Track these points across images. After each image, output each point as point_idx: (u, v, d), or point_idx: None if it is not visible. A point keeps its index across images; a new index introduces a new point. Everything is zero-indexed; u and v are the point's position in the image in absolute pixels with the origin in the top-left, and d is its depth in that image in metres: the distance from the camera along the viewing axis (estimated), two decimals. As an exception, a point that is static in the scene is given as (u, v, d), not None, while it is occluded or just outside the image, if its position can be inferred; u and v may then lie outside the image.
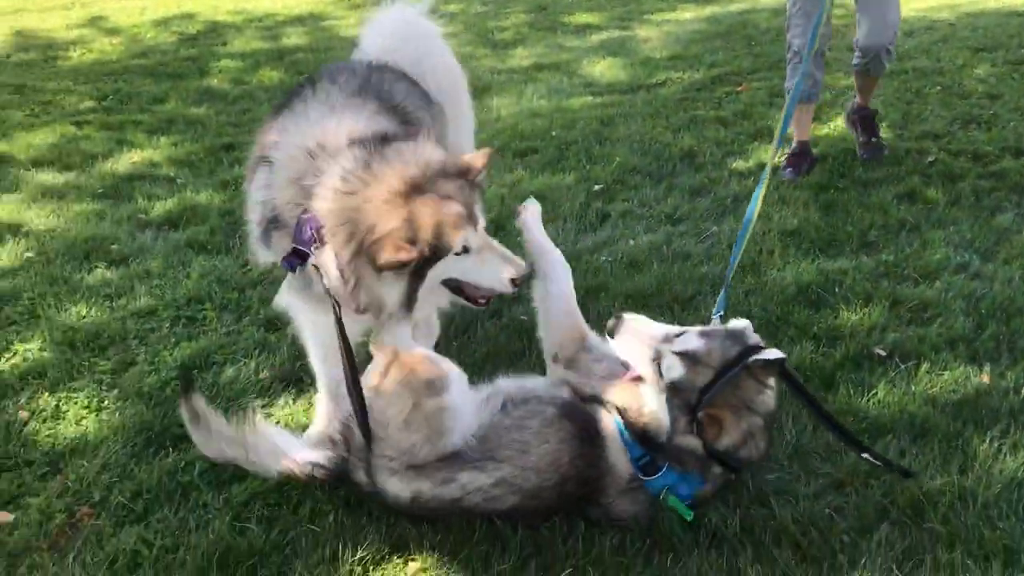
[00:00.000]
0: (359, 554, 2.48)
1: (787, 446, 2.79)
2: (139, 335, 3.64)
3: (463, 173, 2.52)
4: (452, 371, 2.60)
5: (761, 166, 5.04)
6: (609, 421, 2.53)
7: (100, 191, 5.09)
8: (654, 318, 3.34)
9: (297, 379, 3.32)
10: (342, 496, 2.68)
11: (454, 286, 2.59)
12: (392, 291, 2.46)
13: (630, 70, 7.21)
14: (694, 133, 5.62)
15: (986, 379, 3.08)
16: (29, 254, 4.32)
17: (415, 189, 2.40)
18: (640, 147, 5.42)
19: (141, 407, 3.15)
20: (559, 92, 6.75)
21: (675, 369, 2.40)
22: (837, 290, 3.67)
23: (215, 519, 2.63)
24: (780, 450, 2.76)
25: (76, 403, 3.21)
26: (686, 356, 2.39)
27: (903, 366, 3.16)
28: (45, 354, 3.49)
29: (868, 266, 3.86)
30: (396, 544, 2.53)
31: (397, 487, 2.49)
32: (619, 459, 2.48)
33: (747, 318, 2.62)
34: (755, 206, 3.17)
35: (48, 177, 5.30)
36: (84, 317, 3.76)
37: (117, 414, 3.14)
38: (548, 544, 2.49)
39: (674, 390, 2.40)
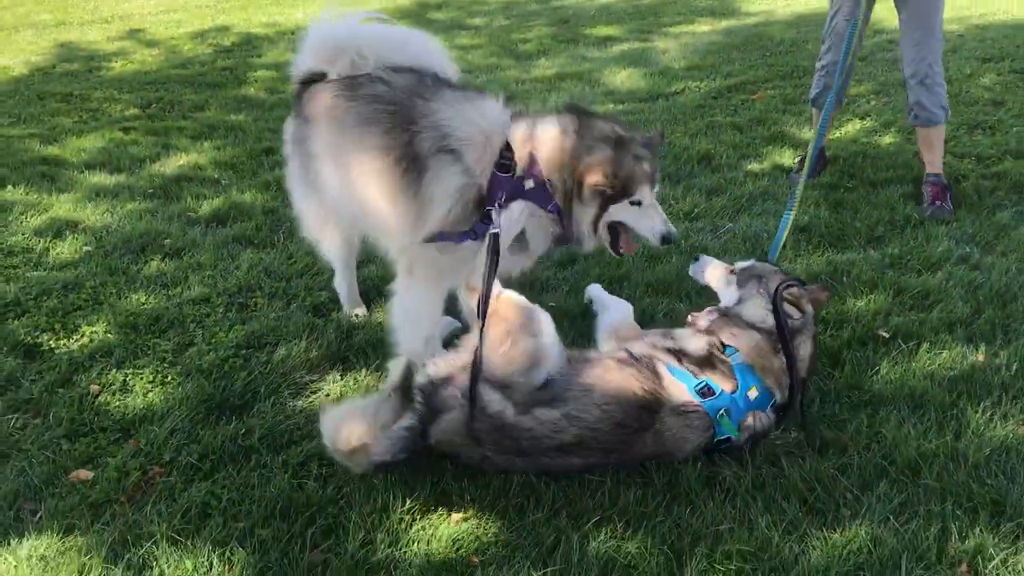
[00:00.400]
0: (408, 504, 2.75)
1: (796, 414, 3.05)
2: (196, 319, 3.93)
3: (651, 145, 3.13)
4: (543, 315, 3.07)
5: (776, 168, 5.31)
6: (662, 365, 2.92)
7: (150, 191, 5.41)
8: (673, 305, 3.66)
9: (344, 358, 3.60)
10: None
11: (614, 229, 3.09)
12: (587, 214, 3.02)
13: (649, 79, 7.49)
14: (711, 138, 5.89)
15: (981, 357, 3.33)
16: (88, 248, 4.63)
17: (620, 144, 2.98)
18: (660, 150, 5.68)
19: (202, 381, 3.44)
20: (581, 100, 7.04)
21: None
22: (845, 279, 3.93)
23: (276, 476, 2.91)
24: (789, 418, 3.02)
25: (142, 378, 3.50)
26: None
27: (905, 346, 3.42)
28: (110, 336, 3.79)
29: (875, 258, 4.12)
30: (440, 498, 2.80)
31: (498, 403, 2.78)
32: (674, 388, 2.85)
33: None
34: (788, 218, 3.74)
35: (100, 178, 5.63)
36: (144, 304, 4.06)
37: (180, 388, 3.43)
38: (577, 497, 2.76)
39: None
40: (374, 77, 3.31)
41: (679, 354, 2.98)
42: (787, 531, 2.60)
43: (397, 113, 3.14)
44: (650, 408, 2.80)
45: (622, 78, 7.59)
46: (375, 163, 3.14)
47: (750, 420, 2.87)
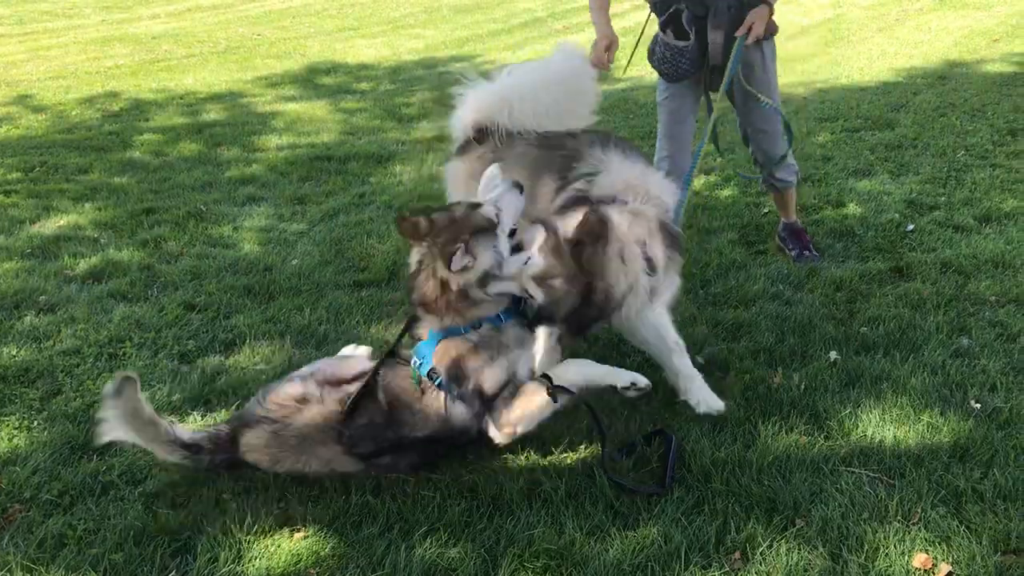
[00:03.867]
0: (254, 527, 3.00)
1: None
2: (65, 369, 4.11)
3: None
4: None
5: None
6: None
7: (28, 251, 5.56)
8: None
9: (206, 400, 3.84)
10: (242, 485, 3.22)
11: None
12: None
13: (522, 140, 7.96)
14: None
15: (777, 379, 3.77)
16: (-40, 306, 4.77)
17: None
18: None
19: (67, 425, 3.63)
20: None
21: None
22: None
23: (131, 507, 3.13)
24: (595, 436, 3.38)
25: (8, 424, 3.67)
26: None
27: (717, 373, 3.85)
28: (-23, 387, 3.96)
29: (701, 297, 4.58)
30: (285, 519, 3.07)
31: None
32: None
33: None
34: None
35: (-23, 241, 5.75)
36: (14, 356, 4.22)
37: (46, 432, 3.61)
38: (409, 512, 3.06)
39: None
40: None
41: None
42: (591, 532, 2.94)
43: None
44: None
45: (497, 139, 8.04)
46: None
47: None
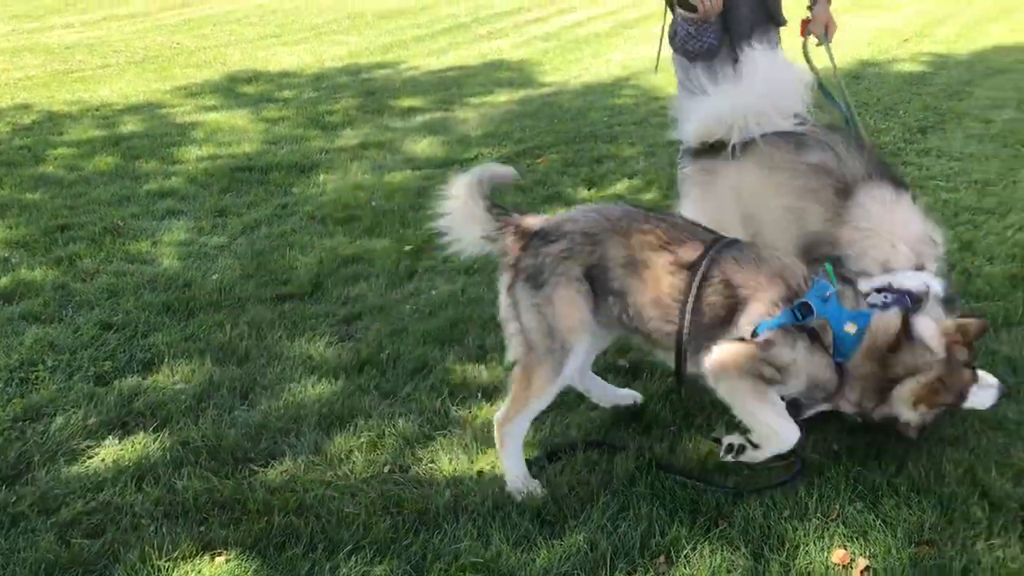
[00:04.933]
0: (174, 553, 2.93)
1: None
2: (-28, 396, 3.96)
3: None
4: None
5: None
6: None
7: (-67, 274, 5.34)
8: (445, 355, 3.95)
9: (123, 423, 3.74)
10: (161, 510, 3.14)
11: None
12: None
13: (447, 147, 7.95)
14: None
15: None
16: None
17: None
18: (448, 213, 6.09)
19: (-26, 455, 3.50)
20: (382, 167, 7.39)
21: None
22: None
23: (43, 538, 3.02)
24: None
25: (-88, 456, 3.52)
26: None
27: (644, 375, 3.88)
28: None
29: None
30: (205, 543, 3.00)
31: None
32: None
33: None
34: None
35: None
36: (-81, 384, 4.06)
37: (-48, 462, 3.48)
38: (333, 531, 3.02)
39: None
40: None
41: None
42: (518, 543, 2.94)
43: None
44: None
45: (422, 146, 8.02)
46: None
47: None
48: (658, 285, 3.09)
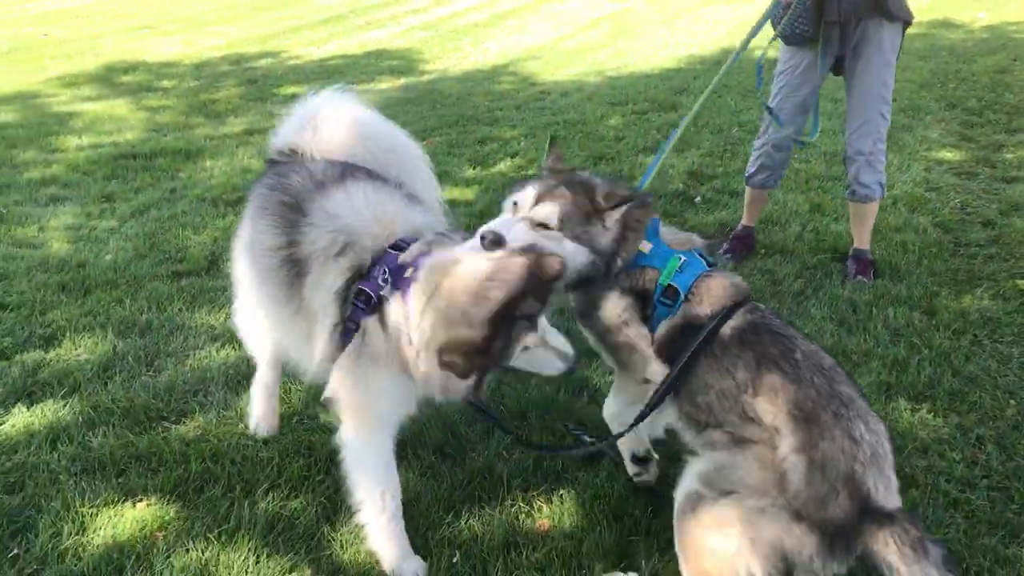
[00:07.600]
0: (95, 500, 3.09)
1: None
2: None
3: None
4: None
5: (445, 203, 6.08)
6: None
7: None
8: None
9: (30, 393, 3.83)
10: (79, 465, 3.29)
11: None
12: None
13: (333, 132, 8.11)
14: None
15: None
16: None
17: None
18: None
19: None
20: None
21: None
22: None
23: (-38, 497, 3.14)
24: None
25: None
26: None
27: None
28: None
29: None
30: (127, 492, 3.17)
31: None
32: None
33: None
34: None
35: None
36: None
37: None
38: (249, 473, 3.24)
39: None
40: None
41: None
42: (423, 472, 3.24)
43: None
44: None
45: (308, 132, 8.15)
46: None
47: None
48: None
